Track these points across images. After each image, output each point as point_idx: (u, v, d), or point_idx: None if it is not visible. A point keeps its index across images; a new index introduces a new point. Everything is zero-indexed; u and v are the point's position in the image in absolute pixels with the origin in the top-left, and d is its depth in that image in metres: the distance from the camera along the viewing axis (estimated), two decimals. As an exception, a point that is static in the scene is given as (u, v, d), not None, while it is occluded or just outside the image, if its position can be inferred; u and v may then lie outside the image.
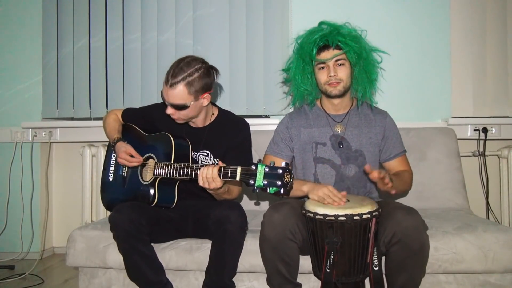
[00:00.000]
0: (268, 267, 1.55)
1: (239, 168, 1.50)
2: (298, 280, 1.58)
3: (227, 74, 2.51)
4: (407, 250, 1.43)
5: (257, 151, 2.15)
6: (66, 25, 2.67)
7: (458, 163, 2.20)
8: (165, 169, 1.69)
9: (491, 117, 2.45)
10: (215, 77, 1.77)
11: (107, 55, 2.66)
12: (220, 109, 1.92)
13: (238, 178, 1.49)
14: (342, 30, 1.69)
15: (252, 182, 1.44)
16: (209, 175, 1.53)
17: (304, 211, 1.50)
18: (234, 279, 1.66)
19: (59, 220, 2.83)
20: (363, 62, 1.71)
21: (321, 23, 1.75)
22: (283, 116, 1.93)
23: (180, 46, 2.56)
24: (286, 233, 1.47)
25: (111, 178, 1.93)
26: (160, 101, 1.87)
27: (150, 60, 2.60)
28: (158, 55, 2.59)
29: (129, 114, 1.98)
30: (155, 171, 1.72)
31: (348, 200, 1.53)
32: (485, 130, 2.42)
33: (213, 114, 1.87)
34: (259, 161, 1.47)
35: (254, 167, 1.45)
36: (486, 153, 2.44)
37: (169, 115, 1.74)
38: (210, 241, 1.66)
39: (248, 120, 1.92)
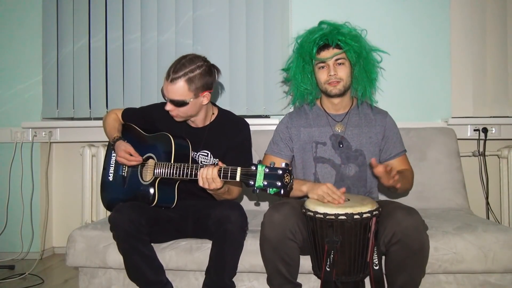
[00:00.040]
0: (268, 267, 1.55)
1: (239, 169, 1.50)
2: (298, 280, 1.58)
3: (227, 74, 2.51)
4: (407, 250, 1.43)
5: (257, 151, 2.15)
6: (66, 25, 2.67)
7: (458, 163, 2.20)
8: (165, 169, 1.69)
9: (491, 117, 2.45)
10: (217, 76, 1.77)
11: (107, 55, 2.66)
12: (220, 109, 1.92)
13: (238, 178, 1.49)
14: (342, 29, 1.69)
15: (252, 183, 1.44)
16: (209, 175, 1.53)
17: (304, 210, 1.51)
18: (234, 279, 1.66)
19: (59, 220, 2.83)
20: (363, 62, 1.72)
21: (321, 22, 1.75)
22: (283, 116, 1.93)
23: (180, 46, 2.56)
24: (286, 233, 1.47)
25: (111, 178, 1.93)
26: (160, 100, 1.87)
27: (150, 60, 2.60)
28: (158, 55, 2.59)
29: (129, 114, 1.98)
30: (155, 171, 1.72)
31: (349, 199, 1.54)
32: (485, 130, 2.42)
33: (213, 114, 1.87)
34: (259, 161, 1.47)
35: (254, 168, 1.45)
36: (486, 153, 2.44)
37: (168, 113, 1.74)
38: (210, 241, 1.66)
39: (248, 120, 1.92)
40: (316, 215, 1.44)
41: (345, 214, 1.41)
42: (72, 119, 2.71)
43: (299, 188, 1.66)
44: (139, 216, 1.60)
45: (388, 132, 1.80)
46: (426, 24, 2.48)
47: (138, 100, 2.59)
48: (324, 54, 1.69)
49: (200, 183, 1.56)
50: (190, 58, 1.69)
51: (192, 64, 1.67)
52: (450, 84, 2.47)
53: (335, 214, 1.42)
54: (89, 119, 2.68)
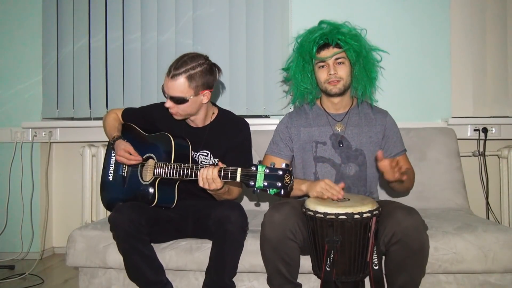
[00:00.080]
0: (269, 267, 1.55)
1: (239, 169, 1.50)
2: (299, 280, 1.58)
3: (227, 74, 2.51)
4: (407, 250, 1.43)
5: (257, 151, 2.15)
6: (66, 25, 2.67)
7: (458, 163, 2.20)
8: (165, 169, 1.69)
9: (491, 117, 2.45)
10: (217, 75, 1.77)
11: (107, 55, 2.66)
12: (220, 109, 1.92)
13: (238, 179, 1.49)
14: (342, 28, 1.70)
15: (253, 184, 1.44)
16: (209, 176, 1.53)
17: (304, 210, 1.50)
18: (234, 279, 1.66)
19: (59, 220, 2.83)
20: (363, 61, 1.72)
21: (321, 22, 1.75)
22: (283, 116, 1.93)
23: (180, 46, 2.56)
24: (286, 233, 1.47)
25: (111, 178, 1.93)
26: (160, 100, 1.87)
27: (150, 60, 2.60)
28: (158, 55, 2.59)
29: (129, 114, 1.98)
30: (155, 171, 1.72)
31: (349, 199, 1.54)
32: (485, 130, 2.42)
33: (213, 113, 1.87)
34: (259, 162, 1.47)
35: (254, 169, 1.45)
36: (486, 153, 2.44)
37: (168, 111, 1.74)
38: (210, 241, 1.66)
39: (248, 120, 1.92)
40: (316, 215, 1.44)
41: (346, 214, 1.41)
42: (72, 119, 2.71)
43: (299, 187, 1.67)
44: (139, 216, 1.60)
45: (388, 132, 1.80)
46: (426, 24, 2.48)
47: (138, 100, 2.59)
48: (324, 53, 1.69)
49: (200, 184, 1.56)
50: (192, 55, 1.70)
51: (193, 61, 1.67)
52: (450, 84, 2.47)
53: (336, 213, 1.42)
54: (89, 119, 2.68)
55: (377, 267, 1.48)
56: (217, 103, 2.02)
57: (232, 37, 2.55)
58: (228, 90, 2.54)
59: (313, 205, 1.48)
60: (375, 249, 1.47)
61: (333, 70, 1.69)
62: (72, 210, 2.75)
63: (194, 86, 1.67)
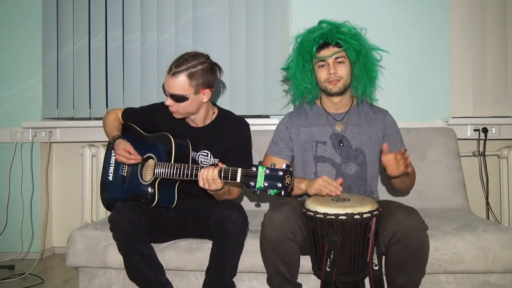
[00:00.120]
0: (269, 267, 1.55)
1: (239, 170, 1.50)
2: (299, 280, 1.58)
3: (227, 74, 2.51)
4: (407, 250, 1.43)
5: (257, 151, 2.15)
6: (66, 25, 2.67)
7: (458, 163, 2.20)
8: (165, 169, 1.69)
9: (491, 117, 2.45)
10: (218, 75, 1.77)
11: (107, 55, 2.66)
12: (220, 109, 1.92)
13: (238, 180, 1.49)
14: (342, 28, 1.70)
15: (253, 184, 1.44)
16: (209, 176, 1.53)
17: (304, 210, 1.50)
18: (234, 279, 1.66)
19: (59, 220, 2.83)
20: (362, 60, 1.72)
21: (321, 21, 1.75)
22: (283, 116, 1.93)
23: (180, 46, 2.56)
24: (286, 233, 1.47)
25: (110, 178, 1.93)
26: (160, 100, 1.87)
27: (150, 60, 2.60)
28: (158, 55, 2.59)
29: (129, 114, 1.98)
30: (155, 171, 1.72)
31: (349, 199, 1.54)
32: (485, 130, 2.42)
33: (213, 113, 1.87)
34: (260, 162, 1.47)
35: (254, 169, 1.45)
36: (486, 153, 2.44)
37: (168, 111, 1.74)
38: (210, 241, 1.66)
39: (248, 120, 1.92)
40: (317, 215, 1.44)
41: (346, 214, 1.41)
42: (72, 119, 2.71)
43: (298, 186, 1.67)
44: (139, 216, 1.60)
45: (388, 131, 1.80)
46: (426, 24, 2.48)
47: (138, 100, 2.59)
48: (324, 52, 1.69)
49: (201, 184, 1.56)
50: (193, 54, 1.70)
51: (194, 60, 1.67)
52: (450, 84, 2.47)
53: (336, 214, 1.42)
54: (89, 119, 2.68)
55: (377, 267, 1.48)
56: (217, 103, 2.02)
57: (232, 37, 2.55)
58: (228, 90, 2.54)
59: (313, 206, 1.48)
60: (375, 249, 1.47)
61: (333, 69, 1.69)
62: (72, 210, 2.75)
63: (195, 85, 1.67)
